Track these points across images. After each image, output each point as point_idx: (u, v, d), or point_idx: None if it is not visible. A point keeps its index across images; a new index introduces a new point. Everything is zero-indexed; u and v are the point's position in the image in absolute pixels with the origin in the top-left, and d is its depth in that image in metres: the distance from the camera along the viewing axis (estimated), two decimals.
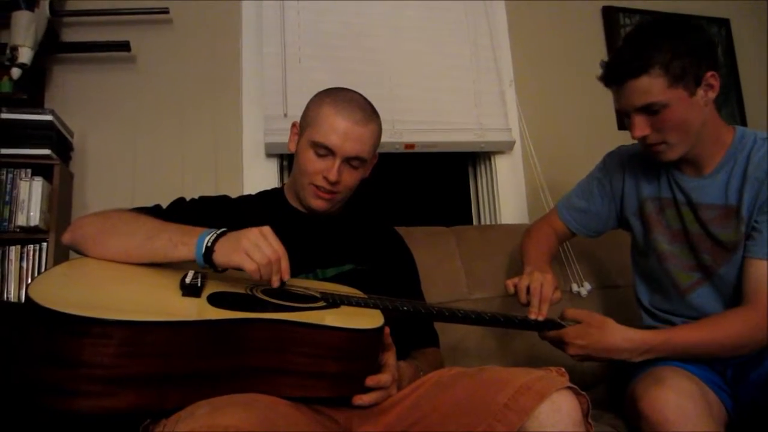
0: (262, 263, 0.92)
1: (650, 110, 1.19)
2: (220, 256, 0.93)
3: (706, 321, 1.23)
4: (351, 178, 1.22)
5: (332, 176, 1.18)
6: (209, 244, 0.94)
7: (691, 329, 1.23)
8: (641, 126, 1.21)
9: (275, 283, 0.95)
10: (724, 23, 2.82)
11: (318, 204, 1.22)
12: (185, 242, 0.95)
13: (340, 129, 1.17)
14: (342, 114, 1.18)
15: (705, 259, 1.29)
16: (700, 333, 1.20)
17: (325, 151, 1.18)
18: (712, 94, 1.20)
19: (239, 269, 0.93)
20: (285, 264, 0.95)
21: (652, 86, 1.16)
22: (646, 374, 1.18)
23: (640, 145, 1.28)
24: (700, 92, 1.19)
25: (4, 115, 1.75)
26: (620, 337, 1.17)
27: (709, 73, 1.18)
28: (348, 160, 1.19)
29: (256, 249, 0.92)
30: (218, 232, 0.96)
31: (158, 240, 0.98)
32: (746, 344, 1.17)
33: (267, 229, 0.95)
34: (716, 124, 1.26)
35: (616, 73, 1.21)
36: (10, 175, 1.74)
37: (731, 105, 2.74)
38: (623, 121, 1.28)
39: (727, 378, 1.25)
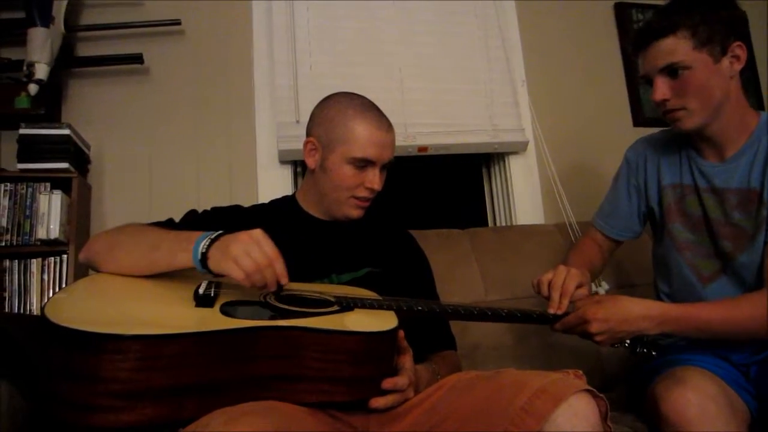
0: (250, 270, 0.88)
1: (673, 72, 1.19)
2: (213, 264, 0.91)
3: (726, 300, 1.22)
4: (383, 180, 1.26)
5: (378, 185, 1.23)
6: (204, 251, 0.91)
7: (710, 306, 1.21)
8: (662, 89, 1.21)
9: (271, 288, 0.92)
10: None
11: (359, 213, 1.26)
12: (183, 249, 0.94)
13: (377, 140, 1.21)
14: (373, 125, 1.21)
15: (725, 246, 1.27)
16: (719, 310, 1.18)
17: (365, 163, 1.21)
18: (737, 66, 1.20)
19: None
20: (280, 267, 0.91)
21: (677, 46, 1.18)
22: (666, 375, 1.16)
23: (660, 111, 1.27)
24: (726, 61, 1.19)
25: (23, 131, 1.79)
26: (637, 306, 1.15)
27: (736, 43, 1.18)
28: (383, 166, 1.24)
29: (245, 256, 0.88)
30: (213, 236, 0.93)
31: (159, 250, 0.97)
32: (762, 328, 1.13)
33: (258, 233, 0.92)
34: (741, 104, 1.26)
35: (645, 35, 1.22)
36: (29, 189, 1.78)
37: (748, 97, 2.69)
38: (644, 86, 1.28)
39: (750, 377, 1.23)
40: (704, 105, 1.21)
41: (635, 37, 1.26)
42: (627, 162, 1.49)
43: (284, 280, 0.93)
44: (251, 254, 0.89)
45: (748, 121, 1.26)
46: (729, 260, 1.27)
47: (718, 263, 1.29)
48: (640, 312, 1.14)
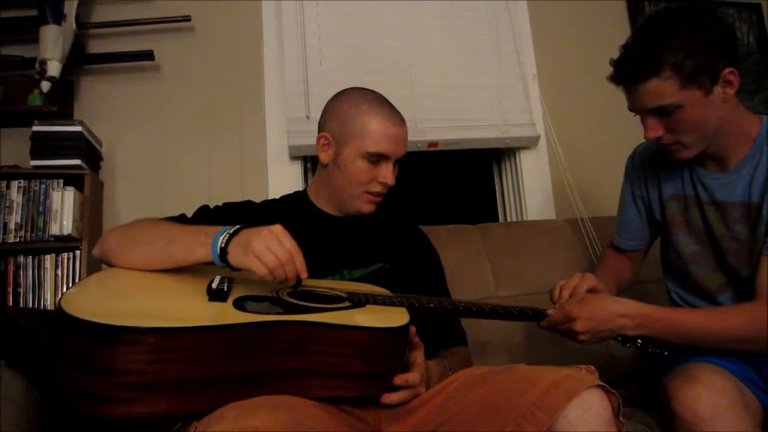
0: (272, 266, 0.89)
1: (663, 112, 1.14)
2: (233, 258, 0.92)
3: (712, 309, 1.21)
4: (396, 175, 1.26)
5: (391, 180, 1.22)
6: (223, 245, 0.92)
7: (693, 313, 1.20)
8: (654, 128, 1.17)
9: (291, 282, 0.93)
10: (755, 8, 2.74)
11: (370, 208, 1.25)
12: (201, 243, 0.95)
13: (391, 135, 1.20)
14: (388, 119, 1.21)
15: (730, 261, 1.24)
16: (701, 318, 1.16)
17: (378, 157, 1.20)
18: (730, 91, 1.13)
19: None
20: (300, 262, 0.92)
21: (663, 88, 1.11)
22: (678, 371, 1.15)
23: (656, 144, 1.24)
24: (717, 90, 1.12)
25: (36, 128, 1.81)
26: (616, 304, 1.14)
27: (727, 70, 1.11)
28: (397, 161, 1.24)
29: (267, 251, 0.89)
30: (232, 230, 0.94)
31: (176, 245, 0.98)
32: (749, 339, 1.12)
33: (278, 228, 0.93)
34: (739, 118, 1.20)
35: (626, 74, 1.17)
36: (43, 186, 1.80)
37: (764, 91, 2.66)
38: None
39: (763, 374, 1.21)
40: (700, 137, 1.17)
41: (615, 70, 1.18)
42: (627, 173, 1.46)
43: (304, 275, 0.94)
44: (273, 250, 0.90)
45: (748, 129, 1.21)
46: (734, 275, 1.24)
47: (725, 277, 1.26)
48: (619, 310, 1.13)
